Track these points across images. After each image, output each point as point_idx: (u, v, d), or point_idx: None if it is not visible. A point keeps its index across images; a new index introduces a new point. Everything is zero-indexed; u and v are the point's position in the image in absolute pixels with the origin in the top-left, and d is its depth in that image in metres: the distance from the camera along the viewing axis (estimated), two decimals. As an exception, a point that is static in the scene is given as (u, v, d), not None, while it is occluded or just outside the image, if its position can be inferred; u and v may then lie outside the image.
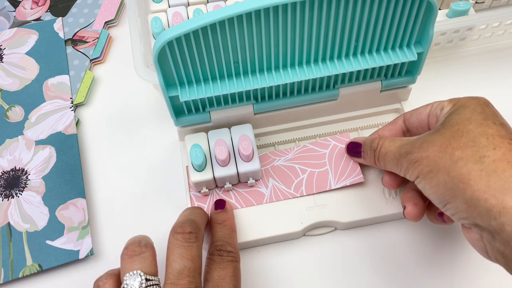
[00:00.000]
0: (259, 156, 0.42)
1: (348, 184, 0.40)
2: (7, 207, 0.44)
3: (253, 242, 0.40)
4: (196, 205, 0.40)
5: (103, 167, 0.46)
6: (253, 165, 0.39)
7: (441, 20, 0.45)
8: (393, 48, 0.39)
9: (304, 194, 0.40)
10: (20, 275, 0.41)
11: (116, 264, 0.34)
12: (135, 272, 0.32)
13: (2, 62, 0.53)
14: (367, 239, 0.41)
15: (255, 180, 0.41)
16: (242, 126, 0.41)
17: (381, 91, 0.43)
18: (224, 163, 0.39)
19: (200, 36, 0.34)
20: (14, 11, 0.57)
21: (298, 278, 0.40)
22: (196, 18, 0.32)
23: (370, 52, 0.39)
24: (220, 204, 0.39)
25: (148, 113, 0.49)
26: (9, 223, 0.43)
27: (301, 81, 0.40)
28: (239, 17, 0.33)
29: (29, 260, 0.41)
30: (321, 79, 0.41)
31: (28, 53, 0.53)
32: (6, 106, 0.50)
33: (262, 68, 0.38)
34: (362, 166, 0.41)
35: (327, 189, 0.40)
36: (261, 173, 0.41)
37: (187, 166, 0.42)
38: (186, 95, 0.37)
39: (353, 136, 0.44)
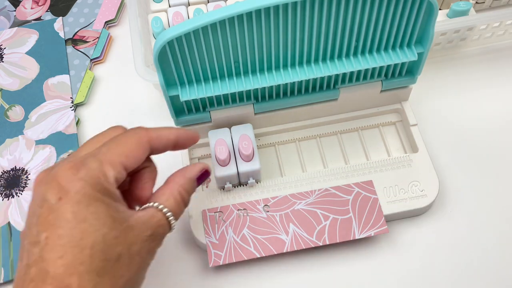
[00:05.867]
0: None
1: (372, 235, 0.39)
2: (7, 207, 0.44)
3: None
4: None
5: (103, 167, 0.46)
6: (253, 165, 0.39)
7: (442, 20, 0.45)
8: (393, 48, 0.39)
9: (327, 243, 0.38)
10: (20, 274, 0.41)
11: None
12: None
13: (3, 61, 0.53)
14: (367, 239, 0.41)
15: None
16: (243, 126, 0.41)
17: (381, 91, 0.43)
18: (224, 163, 0.39)
19: (201, 35, 0.34)
20: (15, 10, 0.57)
21: (299, 278, 0.40)
22: (196, 17, 0.32)
23: (370, 52, 0.38)
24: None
25: (148, 113, 0.49)
26: (9, 222, 0.43)
27: (301, 81, 0.40)
28: (240, 16, 0.33)
29: (29, 260, 0.41)
30: (321, 79, 0.41)
31: (28, 53, 0.53)
32: (6, 106, 0.50)
33: (262, 67, 0.38)
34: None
35: (351, 239, 0.38)
36: (261, 174, 0.41)
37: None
38: (187, 94, 0.37)
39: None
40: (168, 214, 0.31)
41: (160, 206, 0.31)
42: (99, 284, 0.26)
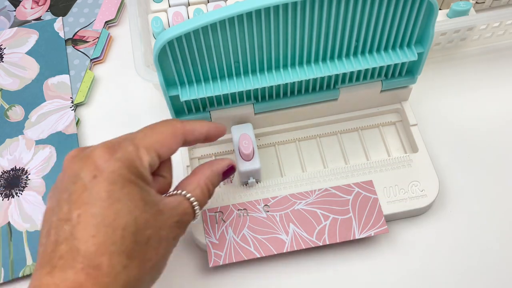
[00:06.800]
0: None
1: (372, 235, 0.39)
2: (7, 207, 0.44)
3: None
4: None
5: (103, 167, 0.46)
6: (254, 164, 0.39)
7: (442, 20, 0.45)
8: (393, 48, 0.39)
9: (327, 243, 0.38)
10: (20, 274, 0.41)
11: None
12: None
13: (3, 61, 0.53)
14: (367, 239, 0.41)
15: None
16: (243, 126, 0.41)
17: (381, 91, 0.43)
18: None
19: (201, 35, 0.34)
20: (15, 10, 0.57)
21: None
22: (196, 17, 0.32)
23: (370, 52, 0.38)
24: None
25: (148, 113, 0.49)
26: (9, 222, 0.43)
27: (301, 81, 0.40)
28: (240, 16, 0.33)
29: (29, 260, 0.41)
30: (321, 79, 0.41)
31: (28, 53, 0.53)
32: (6, 106, 0.50)
33: (263, 67, 0.38)
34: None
35: (351, 239, 0.38)
36: (261, 174, 0.41)
37: (187, 166, 0.42)
38: (187, 94, 0.37)
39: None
40: (195, 203, 0.32)
41: (188, 195, 0.32)
42: (128, 266, 0.27)
